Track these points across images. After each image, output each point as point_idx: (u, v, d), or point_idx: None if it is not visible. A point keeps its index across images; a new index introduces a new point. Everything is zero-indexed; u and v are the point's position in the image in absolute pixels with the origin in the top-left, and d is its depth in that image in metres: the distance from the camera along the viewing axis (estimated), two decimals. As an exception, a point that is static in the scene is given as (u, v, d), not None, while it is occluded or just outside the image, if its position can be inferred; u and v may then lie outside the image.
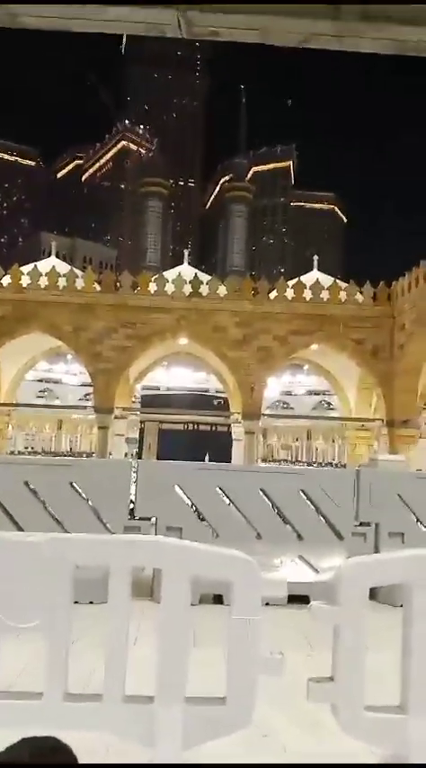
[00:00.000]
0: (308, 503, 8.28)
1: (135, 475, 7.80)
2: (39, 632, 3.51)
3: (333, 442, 50.42)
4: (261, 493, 8.07)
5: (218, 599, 7.47)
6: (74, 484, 7.35)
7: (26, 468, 7.37)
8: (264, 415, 32.39)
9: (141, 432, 40.37)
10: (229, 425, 33.00)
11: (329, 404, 46.82)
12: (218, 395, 38.80)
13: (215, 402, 40.25)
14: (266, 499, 8.11)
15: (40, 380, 44.66)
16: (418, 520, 8.19)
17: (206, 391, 42.81)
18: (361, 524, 8.33)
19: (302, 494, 8.25)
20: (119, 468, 7.73)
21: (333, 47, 5.20)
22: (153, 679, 3.62)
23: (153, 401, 40.04)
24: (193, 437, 39.37)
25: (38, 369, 40.24)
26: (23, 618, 3.43)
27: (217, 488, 7.84)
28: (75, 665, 3.66)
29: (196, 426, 41.04)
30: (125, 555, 3.37)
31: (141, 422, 39.52)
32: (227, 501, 7.89)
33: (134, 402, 36.57)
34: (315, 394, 49.80)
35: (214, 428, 39.05)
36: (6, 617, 3.43)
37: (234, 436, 31.67)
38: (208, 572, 3.59)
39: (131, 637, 3.65)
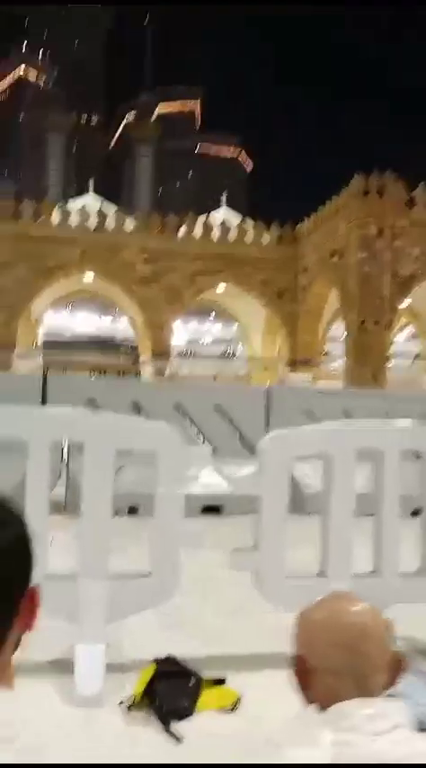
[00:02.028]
0: (222, 418, 8.37)
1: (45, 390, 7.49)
2: None
3: (237, 383, 51.61)
4: (177, 409, 8.03)
5: (133, 511, 7.47)
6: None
7: None
8: (176, 355, 32.27)
9: (44, 375, 39.04)
10: (138, 370, 32.63)
11: (234, 353, 47.62)
12: (126, 342, 38.08)
13: (122, 348, 39.55)
14: (180, 413, 8.10)
15: None
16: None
17: (112, 338, 41.91)
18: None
19: (215, 409, 8.30)
20: (30, 382, 7.36)
21: None
22: (75, 558, 3.52)
23: (57, 345, 38.68)
24: (100, 382, 38.61)
25: None
26: None
27: (131, 402, 7.71)
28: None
29: (103, 372, 40.25)
30: (46, 426, 3.19)
31: (44, 367, 38.14)
32: (143, 414, 7.78)
33: (37, 348, 35.13)
34: (221, 342, 50.40)
35: (121, 373, 38.49)
36: None
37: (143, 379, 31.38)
38: (133, 443, 3.49)
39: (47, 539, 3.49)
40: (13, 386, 7.21)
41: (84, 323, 42.99)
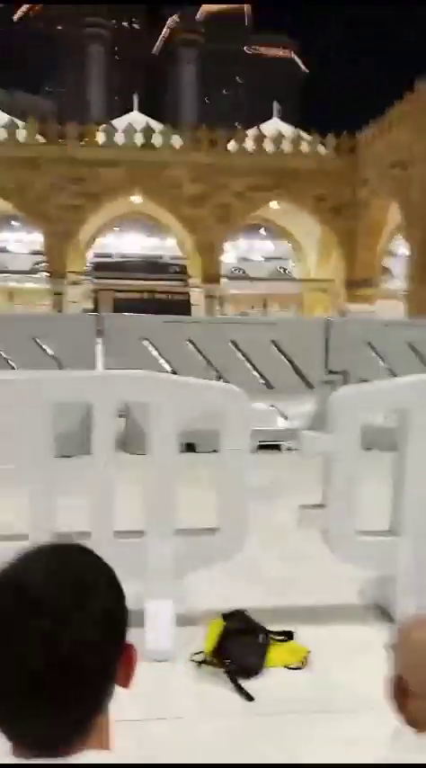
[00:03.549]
0: (279, 353, 8.14)
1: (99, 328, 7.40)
2: (20, 475, 3.29)
3: (290, 308, 50.56)
4: (231, 344, 7.84)
5: (190, 447, 7.48)
6: (37, 339, 6.93)
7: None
8: (226, 277, 31.67)
9: (95, 301, 39.26)
10: (187, 293, 32.23)
11: (286, 270, 46.24)
12: (174, 261, 37.49)
13: (171, 269, 39.02)
14: (236, 350, 7.90)
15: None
16: (391, 371, 8.17)
17: (160, 257, 41.34)
18: (331, 373, 8.30)
19: (272, 344, 8.06)
20: (83, 322, 7.30)
21: None
22: (142, 516, 3.51)
23: (106, 269, 38.53)
24: (150, 306, 38.55)
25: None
26: (5, 458, 3.19)
27: (186, 340, 7.55)
28: (61, 508, 3.48)
29: (153, 295, 40.08)
30: (110, 388, 3.08)
31: (95, 291, 38.27)
32: (196, 352, 7.65)
33: (87, 269, 35.09)
34: (273, 260, 48.96)
35: (171, 297, 38.22)
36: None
37: (192, 302, 31.05)
38: (197, 403, 3.35)
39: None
40: (68, 327, 7.15)
41: (133, 244, 42.50)
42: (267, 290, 46.93)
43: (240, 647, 3.27)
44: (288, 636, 3.51)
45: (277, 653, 3.36)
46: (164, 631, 3.38)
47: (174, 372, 7.67)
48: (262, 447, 8.14)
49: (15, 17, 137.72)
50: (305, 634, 3.55)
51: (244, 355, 7.94)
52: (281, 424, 7.81)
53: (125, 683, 0.94)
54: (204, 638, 3.37)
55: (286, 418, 7.93)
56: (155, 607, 3.41)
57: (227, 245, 30.32)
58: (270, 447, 8.12)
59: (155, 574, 3.44)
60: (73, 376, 3.16)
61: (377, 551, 3.71)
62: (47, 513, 3.17)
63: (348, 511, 3.58)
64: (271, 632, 3.46)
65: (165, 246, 39.27)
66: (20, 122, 26.24)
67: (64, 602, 0.84)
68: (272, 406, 8.09)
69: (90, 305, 38.87)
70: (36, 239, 29.96)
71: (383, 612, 3.79)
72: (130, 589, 3.23)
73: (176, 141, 26.40)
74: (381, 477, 3.82)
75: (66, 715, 0.83)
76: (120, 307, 38.90)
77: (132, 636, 3.17)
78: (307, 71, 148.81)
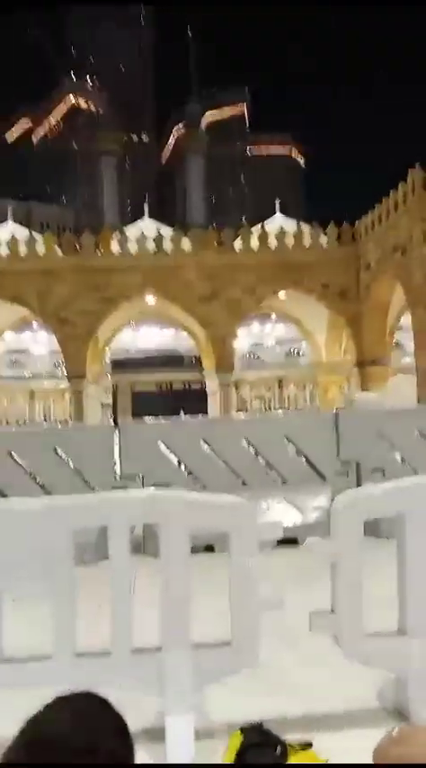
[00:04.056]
0: (290, 447, 8.39)
1: (117, 436, 7.76)
2: (42, 597, 3.52)
3: (305, 388, 51.02)
4: (244, 441, 8.13)
5: (209, 548, 7.60)
6: (58, 450, 7.29)
7: (9, 437, 7.26)
8: (240, 364, 32.43)
9: (114, 395, 40.15)
10: (203, 381, 33.01)
11: (298, 352, 47.13)
12: (189, 353, 38.60)
13: (187, 360, 40.03)
14: (249, 447, 8.18)
15: (8, 352, 43.77)
16: (402, 458, 8.36)
17: (176, 350, 42.57)
18: (343, 463, 8.49)
19: (284, 439, 8.33)
20: (101, 431, 7.67)
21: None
22: (157, 630, 3.67)
23: (124, 365, 39.71)
24: (167, 396, 39.32)
25: (5, 340, 39.34)
26: (27, 585, 3.42)
27: (201, 441, 7.86)
28: (81, 624, 3.68)
29: (169, 386, 40.95)
30: (122, 512, 3.36)
31: (114, 385, 39.27)
32: (211, 452, 7.93)
33: (105, 366, 36.23)
34: (285, 343, 50.02)
35: (188, 386, 39.03)
36: (9, 585, 3.41)
37: (208, 391, 31.74)
38: (206, 521, 3.61)
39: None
40: (86, 439, 7.52)
41: (148, 339, 43.84)
42: (281, 373, 47.54)
43: (259, 762, 3.33)
44: (307, 746, 3.55)
45: (296, 765, 3.41)
46: (184, 747, 3.47)
47: (190, 473, 7.94)
48: (281, 542, 8.23)
49: (35, 140, 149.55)
50: (324, 742, 3.59)
51: (256, 451, 8.21)
52: (297, 518, 7.94)
53: None
54: (224, 751, 3.44)
55: (301, 512, 8.05)
56: (175, 723, 3.52)
57: (240, 331, 31.26)
58: (287, 542, 8.19)
59: (173, 689, 3.57)
60: (88, 502, 3.46)
61: (388, 652, 3.81)
62: (68, 634, 3.37)
63: (356, 614, 3.72)
64: (290, 744, 3.51)
65: (180, 338, 40.49)
66: (38, 236, 28.14)
67: (76, 745, 0.98)
68: (288, 501, 8.27)
69: (109, 399, 39.69)
70: (54, 338, 31.26)
71: (401, 716, 3.83)
72: (150, 705, 3.44)
73: (186, 243, 27.98)
74: (392, 565, 3.94)
75: None
76: (139, 399, 39.77)
77: (154, 751, 3.37)
78: (305, 167, 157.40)
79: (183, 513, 3.44)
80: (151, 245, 27.47)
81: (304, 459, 8.33)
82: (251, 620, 3.63)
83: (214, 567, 4.86)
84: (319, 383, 36.38)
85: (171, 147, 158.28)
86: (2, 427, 25.99)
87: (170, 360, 40.83)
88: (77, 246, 27.36)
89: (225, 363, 28.21)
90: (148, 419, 9.38)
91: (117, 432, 7.53)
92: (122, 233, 29.12)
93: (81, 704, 1.09)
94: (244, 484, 8.13)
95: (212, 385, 30.52)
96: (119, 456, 7.44)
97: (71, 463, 7.26)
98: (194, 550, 7.61)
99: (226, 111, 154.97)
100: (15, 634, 4.39)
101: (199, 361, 33.68)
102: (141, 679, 3.59)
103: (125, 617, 3.52)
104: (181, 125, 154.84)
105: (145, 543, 7.42)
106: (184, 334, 34.14)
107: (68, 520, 3.32)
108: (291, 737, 3.67)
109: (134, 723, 3.54)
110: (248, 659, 3.66)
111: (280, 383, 52.95)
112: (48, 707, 1.08)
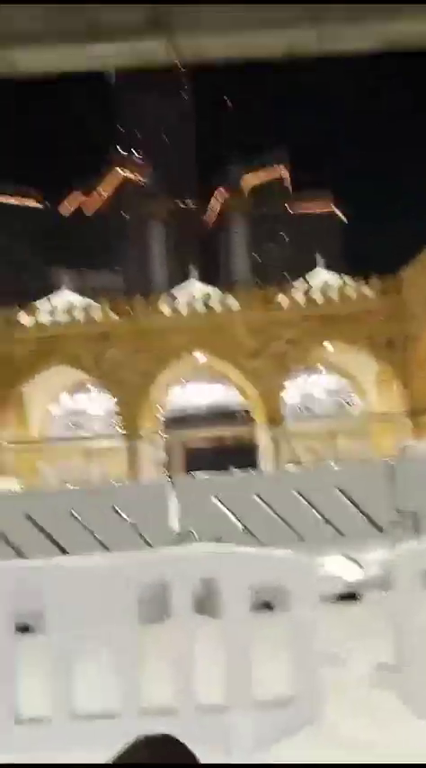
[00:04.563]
0: (345, 499, 8.30)
1: (172, 492, 7.89)
2: (106, 652, 3.61)
3: (357, 439, 50.05)
4: (297, 494, 8.10)
5: (266, 605, 7.51)
6: (115, 508, 7.47)
7: (69, 496, 7.51)
8: (290, 417, 32.34)
9: (168, 453, 40.46)
10: (254, 436, 32.95)
11: (349, 403, 46.62)
12: (239, 408, 38.78)
13: (237, 416, 40.14)
14: (303, 500, 8.14)
15: (66, 414, 45.06)
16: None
17: (227, 406, 42.83)
18: (400, 514, 8.32)
19: (338, 490, 8.26)
20: (156, 488, 7.83)
21: (315, 51, 5.35)
22: (221, 687, 3.68)
23: (176, 422, 40.17)
24: (219, 452, 39.31)
25: (63, 404, 40.68)
26: (92, 640, 3.53)
27: (255, 496, 7.90)
28: (144, 682, 3.73)
29: (221, 441, 41.01)
30: (184, 569, 3.46)
31: (167, 443, 39.64)
32: (266, 506, 7.94)
33: (158, 424, 36.75)
34: (335, 394, 49.61)
35: (239, 441, 39.01)
36: (76, 641, 3.52)
37: (259, 445, 31.62)
38: (265, 576, 3.67)
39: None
40: (142, 496, 7.68)
41: (199, 396, 44.30)
42: (332, 424, 46.96)
43: None
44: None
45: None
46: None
47: (245, 527, 7.96)
48: (339, 598, 8.05)
49: (87, 212, 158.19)
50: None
51: (309, 503, 8.16)
52: (356, 573, 7.78)
53: None
54: None
55: (359, 566, 7.89)
56: (241, 783, 3.48)
57: (289, 384, 31.30)
58: (347, 597, 8.00)
59: (238, 748, 3.55)
60: (149, 559, 3.58)
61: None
62: (133, 690, 3.44)
63: (422, 669, 3.64)
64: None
65: (230, 394, 40.78)
66: (94, 303, 29.45)
67: None
68: (347, 557, 8.13)
69: (162, 457, 40.03)
70: (110, 398, 32.07)
71: None
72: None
73: (231, 302, 28.65)
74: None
75: None
76: (191, 455, 39.93)
77: None
78: (346, 221, 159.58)
79: (243, 569, 3.51)
80: (199, 306, 28.23)
81: (359, 512, 8.21)
82: (311, 674, 3.61)
83: (272, 624, 4.84)
84: (370, 433, 35.72)
85: (214, 211, 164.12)
86: (62, 489, 26.47)
87: (221, 416, 41.06)
88: (129, 310, 28.41)
89: (274, 416, 28.21)
90: (200, 474, 9.50)
91: (171, 488, 7.67)
92: (172, 296, 30.09)
93: (160, 743, 1.16)
94: (300, 538, 8.07)
95: (263, 439, 30.44)
96: (177, 513, 7.54)
97: (128, 520, 7.41)
98: (251, 608, 7.54)
99: (267, 174, 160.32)
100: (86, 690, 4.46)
101: (249, 415, 33.78)
102: (206, 738, 3.59)
103: (189, 676, 3.57)
104: (223, 189, 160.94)
105: (206, 605, 7.41)
106: (235, 390, 34.46)
107: (133, 577, 3.45)
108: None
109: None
110: (310, 715, 3.62)
111: (333, 436, 52.20)
112: (130, 747, 1.16)
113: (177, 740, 1.18)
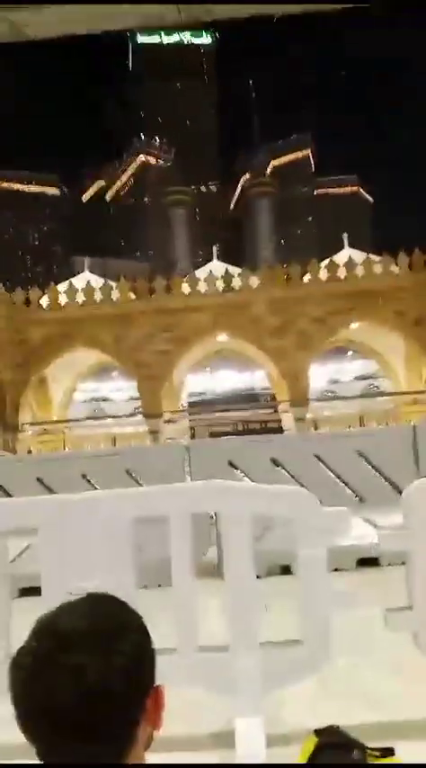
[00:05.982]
0: (366, 463, 8.10)
1: (188, 457, 7.80)
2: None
3: (387, 424, 49.32)
4: (317, 459, 7.94)
5: (286, 569, 7.37)
6: (130, 471, 7.41)
7: (83, 460, 7.47)
8: (311, 400, 31.99)
9: (192, 436, 40.54)
10: (280, 421, 32.72)
11: (377, 387, 45.95)
12: (264, 391, 38.58)
13: (262, 398, 39.98)
14: (322, 465, 7.97)
15: (89, 400, 45.40)
16: None
17: (252, 390, 42.64)
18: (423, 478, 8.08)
19: (359, 455, 8.07)
20: (172, 450, 7.74)
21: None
22: (225, 629, 3.56)
23: (201, 404, 40.16)
24: (244, 436, 39.23)
25: (85, 390, 40.93)
26: (87, 577, 3.44)
27: (271, 459, 7.75)
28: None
29: (246, 426, 40.86)
30: (183, 501, 3.34)
31: (191, 427, 39.70)
32: (283, 471, 7.79)
33: (182, 407, 36.77)
34: (363, 378, 48.93)
35: (264, 425, 38.80)
36: (72, 577, 3.44)
37: (284, 428, 31.39)
38: (270, 509, 3.52)
39: (199, 607, 3.55)
40: (158, 457, 7.61)
41: (224, 380, 44.23)
42: (360, 409, 46.41)
43: (333, 763, 3.12)
44: (389, 752, 3.29)
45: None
46: (256, 750, 3.30)
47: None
48: (361, 562, 7.87)
49: (108, 197, 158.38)
50: (407, 751, 3.32)
51: (329, 469, 7.98)
52: (377, 538, 7.57)
53: (156, 724, 1.00)
54: (297, 757, 3.25)
55: (381, 531, 7.69)
56: (246, 725, 3.36)
57: (315, 370, 30.95)
58: (369, 561, 7.82)
59: (242, 689, 3.43)
60: (147, 491, 3.47)
61: None
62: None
63: (435, 611, 3.47)
64: (369, 748, 3.27)
65: (255, 378, 40.58)
66: (113, 283, 29.43)
67: (93, 639, 0.92)
68: (366, 520, 7.93)
69: (187, 440, 40.06)
70: (134, 386, 32.19)
71: None
72: (219, 707, 3.26)
73: (254, 281, 28.32)
74: None
75: (96, 743, 0.88)
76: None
77: (223, 759, 3.24)
78: (372, 200, 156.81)
79: (244, 501, 3.38)
80: (220, 284, 27.98)
81: (381, 476, 8.01)
82: (321, 614, 3.47)
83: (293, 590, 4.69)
84: (402, 418, 35.15)
85: (238, 195, 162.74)
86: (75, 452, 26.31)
87: (246, 398, 40.94)
88: (149, 291, 28.32)
89: (299, 397, 27.88)
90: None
91: (187, 451, 7.58)
92: (192, 275, 29.89)
93: (96, 601, 1.04)
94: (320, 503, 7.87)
95: (288, 421, 30.18)
96: (189, 475, 7.45)
97: (141, 484, 7.35)
98: (270, 572, 7.41)
99: (291, 158, 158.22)
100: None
101: (274, 398, 33.52)
102: (209, 678, 3.48)
103: (189, 612, 3.46)
104: (247, 173, 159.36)
105: (219, 569, 7.31)
106: (259, 373, 34.23)
107: (128, 509, 3.34)
108: (371, 745, 3.42)
109: (203, 724, 3.44)
110: (319, 658, 3.47)
111: (361, 420, 51.58)
112: (62, 606, 1.03)
113: (122, 601, 1.06)
